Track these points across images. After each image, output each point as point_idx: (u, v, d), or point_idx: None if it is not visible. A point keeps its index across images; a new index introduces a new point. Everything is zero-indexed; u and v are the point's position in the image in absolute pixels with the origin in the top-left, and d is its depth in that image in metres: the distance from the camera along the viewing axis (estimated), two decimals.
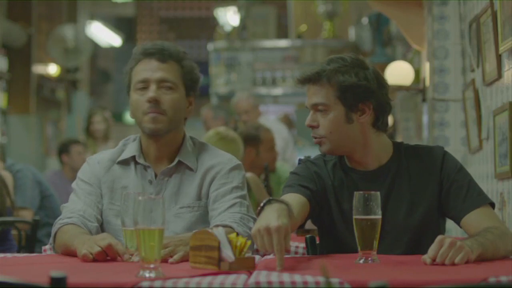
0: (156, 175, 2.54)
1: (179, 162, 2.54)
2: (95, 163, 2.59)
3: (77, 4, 10.65)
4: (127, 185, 2.53)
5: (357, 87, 2.36)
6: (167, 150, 2.55)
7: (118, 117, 12.44)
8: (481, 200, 2.38)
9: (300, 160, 2.56)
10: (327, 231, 2.48)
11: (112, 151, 2.63)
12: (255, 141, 4.74)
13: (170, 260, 2.14)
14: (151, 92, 2.46)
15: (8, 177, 3.95)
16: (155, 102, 2.46)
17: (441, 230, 2.45)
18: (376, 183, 2.40)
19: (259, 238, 2.03)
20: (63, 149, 6.34)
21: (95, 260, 2.16)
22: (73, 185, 2.60)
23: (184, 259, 2.15)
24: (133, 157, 2.56)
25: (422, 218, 2.40)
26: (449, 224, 2.54)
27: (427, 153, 2.46)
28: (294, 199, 2.34)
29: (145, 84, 2.49)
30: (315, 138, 2.41)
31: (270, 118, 7.44)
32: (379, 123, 2.42)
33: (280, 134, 6.66)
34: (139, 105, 2.49)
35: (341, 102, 2.36)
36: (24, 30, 8.67)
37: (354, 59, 2.40)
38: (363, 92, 2.37)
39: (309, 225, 2.74)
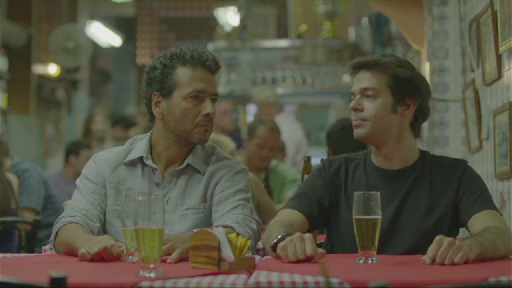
0: (163, 177, 2.54)
1: (188, 165, 2.54)
2: (101, 161, 2.58)
3: (77, 4, 10.64)
4: (133, 187, 2.53)
5: (409, 81, 2.46)
6: (183, 154, 2.56)
7: None
8: (490, 205, 2.41)
9: (322, 160, 2.61)
10: (337, 231, 2.51)
11: (118, 150, 2.62)
12: (250, 133, 4.73)
13: (168, 260, 2.14)
14: (210, 108, 2.49)
15: (13, 179, 3.96)
16: (210, 117, 2.50)
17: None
18: (397, 183, 2.47)
19: (289, 246, 2.11)
20: (73, 150, 6.26)
21: (92, 260, 2.17)
22: (77, 182, 2.59)
23: (183, 256, 2.16)
24: (140, 158, 2.56)
25: (436, 222, 2.44)
26: None
27: (451, 164, 2.52)
28: (293, 217, 2.44)
29: (201, 95, 2.49)
30: (356, 120, 2.47)
31: (288, 118, 7.39)
32: (416, 125, 2.51)
33: (293, 137, 6.61)
34: (191, 115, 2.49)
35: (391, 91, 2.45)
36: (24, 30, 8.66)
37: (407, 60, 2.53)
38: (412, 88, 2.47)
39: None
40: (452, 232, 2.47)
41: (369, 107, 2.45)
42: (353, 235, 2.19)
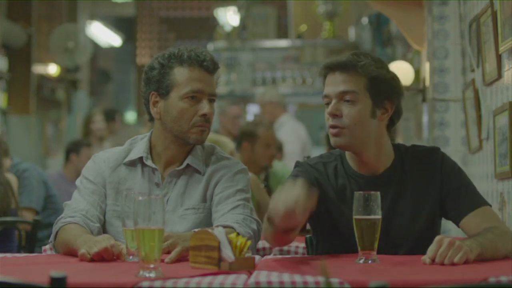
0: (162, 177, 2.54)
1: (188, 165, 2.54)
2: (101, 161, 2.59)
3: (77, 4, 10.64)
4: (133, 187, 2.53)
5: (387, 83, 2.34)
6: (182, 154, 2.55)
7: None
8: (480, 201, 2.38)
9: (297, 162, 2.50)
10: (326, 235, 2.47)
11: (118, 150, 2.62)
12: (251, 137, 4.71)
13: (166, 259, 2.14)
14: (206, 108, 2.48)
15: (13, 179, 3.96)
16: (207, 117, 2.49)
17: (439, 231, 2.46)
18: (381, 188, 2.29)
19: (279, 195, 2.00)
20: (74, 149, 6.32)
21: (92, 260, 2.17)
22: (77, 182, 2.59)
23: (183, 254, 2.16)
24: (140, 158, 2.56)
25: (426, 222, 2.40)
26: (449, 224, 2.54)
27: (426, 155, 2.44)
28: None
29: (198, 95, 2.48)
30: (335, 127, 2.33)
31: (293, 118, 7.41)
32: (391, 126, 2.41)
33: (298, 136, 6.61)
34: (188, 115, 2.48)
35: (370, 95, 2.32)
36: (24, 30, 8.66)
37: (380, 59, 2.39)
38: (390, 89, 2.35)
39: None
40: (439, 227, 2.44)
41: (349, 113, 2.31)
42: (347, 240, 2.16)
